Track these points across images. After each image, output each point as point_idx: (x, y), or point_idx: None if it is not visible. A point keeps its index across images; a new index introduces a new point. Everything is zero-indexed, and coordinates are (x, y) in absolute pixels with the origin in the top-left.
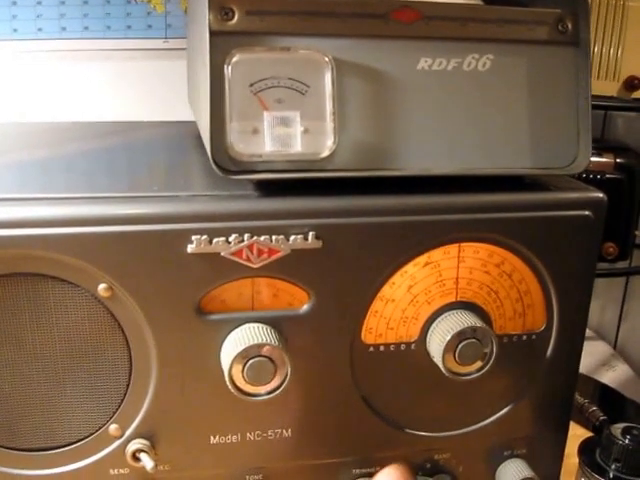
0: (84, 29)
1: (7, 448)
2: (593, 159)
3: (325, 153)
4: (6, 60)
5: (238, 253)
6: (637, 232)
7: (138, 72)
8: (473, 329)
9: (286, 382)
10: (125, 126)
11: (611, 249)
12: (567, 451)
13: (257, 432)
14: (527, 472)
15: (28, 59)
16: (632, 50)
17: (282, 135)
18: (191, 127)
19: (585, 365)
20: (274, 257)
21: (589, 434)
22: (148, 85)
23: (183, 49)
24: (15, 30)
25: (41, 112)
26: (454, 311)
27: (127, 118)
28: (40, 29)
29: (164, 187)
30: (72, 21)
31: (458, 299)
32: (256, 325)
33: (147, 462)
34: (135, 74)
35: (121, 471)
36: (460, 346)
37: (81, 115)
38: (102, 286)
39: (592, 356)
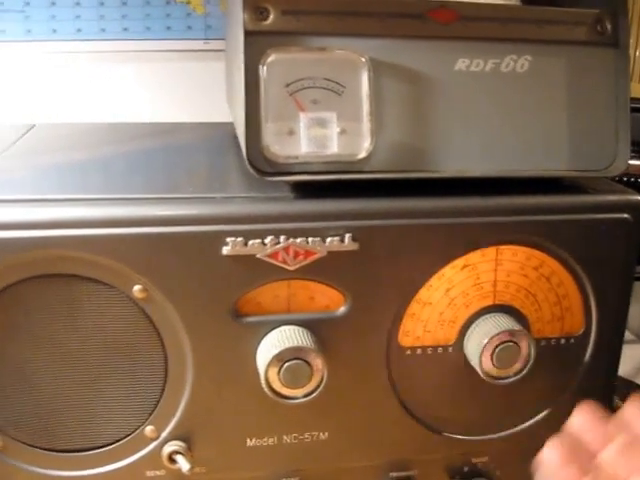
0: (123, 30)
1: (44, 449)
2: (633, 162)
3: (362, 154)
4: (45, 60)
5: (274, 255)
6: None
7: (177, 73)
8: (511, 332)
9: (322, 385)
10: (163, 127)
11: None
12: None
13: (293, 435)
14: None
15: (67, 59)
16: None
17: (318, 136)
18: (229, 128)
19: (626, 369)
20: (310, 259)
21: None
22: (187, 86)
23: (222, 50)
24: (54, 31)
25: (79, 113)
26: (492, 314)
27: (165, 119)
28: (79, 30)
29: (200, 188)
30: (111, 22)
31: (496, 302)
32: (292, 328)
33: (183, 464)
34: (174, 75)
35: (157, 473)
36: (498, 350)
37: (119, 116)
38: (137, 287)
39: (633, 360)
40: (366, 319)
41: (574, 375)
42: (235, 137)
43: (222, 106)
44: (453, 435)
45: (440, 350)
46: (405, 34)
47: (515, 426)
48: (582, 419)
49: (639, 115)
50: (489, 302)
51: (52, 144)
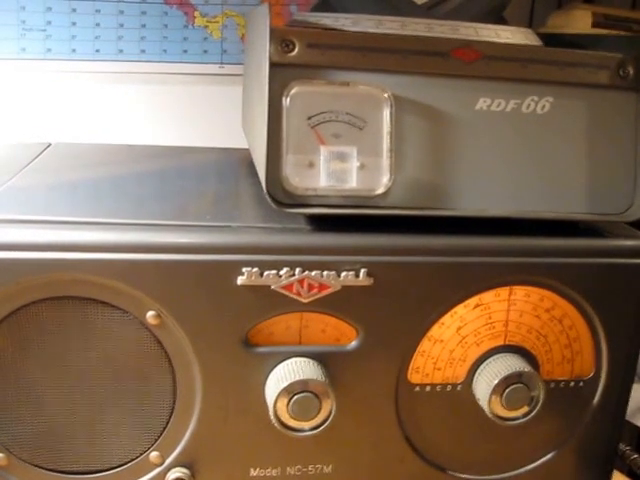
0: (141, 52)
1: (48, 469)
2: None
3: (380, 190)
4: (65, 80)
5: (288, 287)
6: None
7: (193, 96)
8: (520, 374)
9: (330, 418)
10: (178, 150)
11: None
12: None
13: (297, 466)
14: None
15: (85, 79)
16: None
17: (338, 170)
18: (244, 154)
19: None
20: (324, 292)
21: None
22: (202, 109)
23: (238, 75)
24: (74, 50)
25: (94, 133)
26: (502, 354)
27: (180, 141)
28: (98, 50)
29: (216, 217)
30: (129, 44)
31: (507, 342)
32: (302, 360)
33: None
34: (190, 98)
35: None
36: (507, 390)
37: (135, 138)
38: (151, 313)
39: (632, 400)
40: (377, 354)
41: (582, 418)
42: (250, 164)
43: (237, 131)
44: (457, 474)
45: (449, 388)
46: (428, 71)
47: (520, 467)
48: None
49: None
50: (500, 342)
51: (69, 164)
